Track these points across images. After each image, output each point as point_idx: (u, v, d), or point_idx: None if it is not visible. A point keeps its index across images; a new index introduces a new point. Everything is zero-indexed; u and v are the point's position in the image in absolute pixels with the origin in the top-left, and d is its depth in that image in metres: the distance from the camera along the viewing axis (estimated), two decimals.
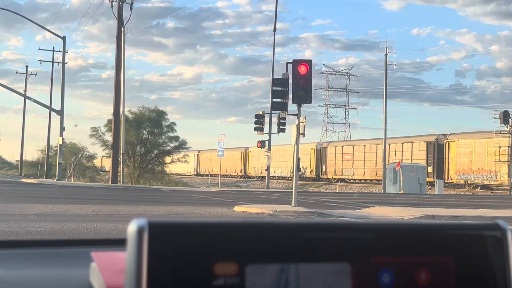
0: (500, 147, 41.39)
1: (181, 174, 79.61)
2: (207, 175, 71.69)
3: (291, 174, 61.44)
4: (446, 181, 44.66)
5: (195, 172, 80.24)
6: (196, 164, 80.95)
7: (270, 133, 38.52)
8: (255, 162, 68.20)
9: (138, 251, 0.78)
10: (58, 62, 57.44)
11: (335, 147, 59.56)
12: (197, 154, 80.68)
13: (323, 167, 59.61)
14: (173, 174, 77.18)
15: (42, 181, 44.61)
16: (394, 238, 0.89)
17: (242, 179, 67.29)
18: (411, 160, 47.82)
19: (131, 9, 38.37)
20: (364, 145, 55.60)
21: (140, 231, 0.78)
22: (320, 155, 60.16)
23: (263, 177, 65.20)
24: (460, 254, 0.90)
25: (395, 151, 50.96)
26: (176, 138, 48.66)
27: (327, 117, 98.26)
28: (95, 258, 1.13)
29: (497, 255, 0.91)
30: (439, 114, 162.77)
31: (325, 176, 58.90)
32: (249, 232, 0.83)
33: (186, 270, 0.78)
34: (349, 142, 57.82)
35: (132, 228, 0.79)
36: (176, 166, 76.69)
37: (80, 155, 55.53)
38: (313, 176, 60.07)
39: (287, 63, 17.28)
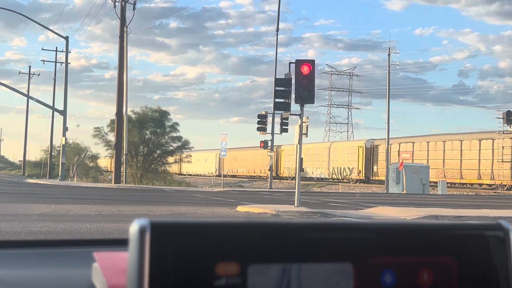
0: (503, 147, 41.30)
1: (201, 175, 74.43)
2: (232, 176, 66.61)
3: (333, 176, 56.60)
4: None
5: (217, 173, 72.45)
6: (218, 164, 73.25)
7: (272, 133, 38.53)
8: (289, 161, 61.34)
9: (140, 251, 0.78)
10: (61, 62, 57.62)
11: (390, 144, 51.10)
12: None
13: (375, 167, 52.70)
14: (191, 175, 72.99)
15: (45, 181, 44.66)
16: (396, 238, 0.89)
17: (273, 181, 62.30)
18: (492, 161, 41.96)
19: (134, 9, 38.38)
20: (428, 142, 48.24)
21: (142, 231, 0.78)
22: (371, 154, 53.29)
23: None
24: (462, 255, 0.90)
25: (470, 149, 43.92)
26: (179, 138, 48.71)
27: (330, 117, 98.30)
28: (97, 258, 1.13)
29: (499, 255, 0.91)
30: (442, 114, 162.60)
31: (376, 178, 52.10)
32: (251, 232, 0.83)
33: (188, 270, 0.78)
34: (408, 139, 50.73)
35: (134, 228, 0.79)
36: (194, 166, 71.11)
37: (83, 155, 55.58)
38: (361, 178, 53.65)
39: (290, 63, 17.30)
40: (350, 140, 61.39)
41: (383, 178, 49.51)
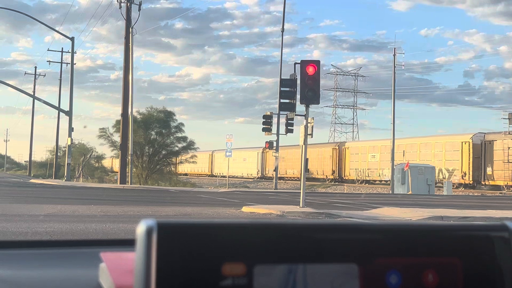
0: (509, 148, 41.10)
1: (238, 177, 64.84)
2: (280, 179, 54.06)
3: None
4: None
5: (260, 175, 63.71)
6: (261, 164, 64.66)
7: (278, 134, 38.49)
8: (357, 161, 52.73)
9: (147, 251, 0.78)
10: (67, 63, 57.75)
11: None
12: (263, 152, 63.17)
13: (488, 168, 42.25)
14: (224, 177, 62.95)
15: (50, 181, 44.77)
16: (402, 239, 0.89)
17: (335, 184, 50.77)
18: None
19: (139, 10, 38.43)
20: None
21: (149, 232, 0.79)
22: (482, 152, 42.91)
23: (370, 182, 50.47)
24: (467, 255, 0.90)
25: None
26: (184, 139, 48.73)
27: (335, 118, 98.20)
28: (104, 259, 1.14)
29: (504, 256, 0.92)
30: (447, 114, 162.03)
31: (489, 182, 42.00)
32: (257, 233, 0.83)
33: (194, 271, 0.79)
34: None
35: (141, 228, 0.80)
36: (231, 165, 64.47)
37: (88, 156, 55.68)
38: (468, 182, 43.09)
39: (295, 63, 17.28)
40: (450, 134, 48.81)
41: (502, 182, 41.27)
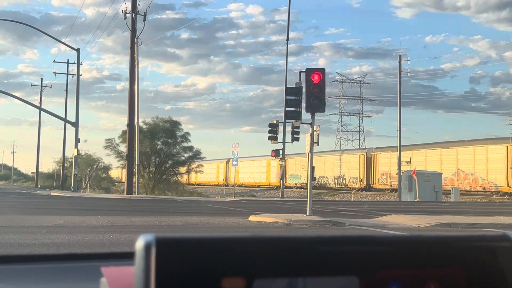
0: None
1: (340, 188, 55.32)
2: (389, 190, 48.49)
3: None
4: None
5: (364, 185, 53.93)
6: (365, 167, 54.28)
7: (284, 142, 38.51)
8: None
9: (146, 267, 0.78)
10: (73, 74, 58.01)
11: None
12: (368, 154, 54.20)
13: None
14: (334, 189, 54.69)
15: (58, 192, 44.84)
16: (403, 251, 0.89)
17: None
18: None
19: (144, 20, 38.55)
20: None
21: (147, 247, 0.79)
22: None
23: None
24: (470, 266, 0.90)
25: None
26: (191, 148, 48.79)
27: (341, 125, 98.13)
28: (105, 273, 1.14)
29: (507, 266, 0.91)
30: (453, 121, 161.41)
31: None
32: (256, 246, 0.83)
33: (194, 285, 0.78)
34: None
35: (139, 244, 0.80)
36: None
37: (95, 166, 55.78)
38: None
39: (300, 72, 17.28)
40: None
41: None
